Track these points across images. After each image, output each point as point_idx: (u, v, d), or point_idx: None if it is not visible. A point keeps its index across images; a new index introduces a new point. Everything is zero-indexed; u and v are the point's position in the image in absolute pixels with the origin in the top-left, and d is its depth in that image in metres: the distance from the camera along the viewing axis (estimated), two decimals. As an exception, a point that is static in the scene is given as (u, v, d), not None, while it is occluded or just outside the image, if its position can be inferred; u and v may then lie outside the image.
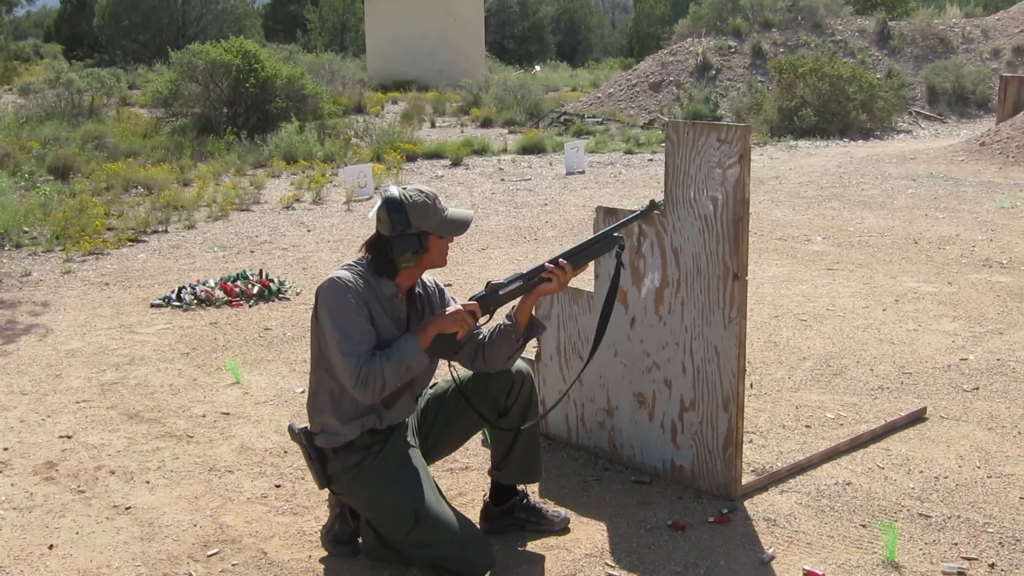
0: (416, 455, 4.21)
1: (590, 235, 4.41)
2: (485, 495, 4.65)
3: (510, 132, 25.31)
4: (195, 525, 4.68)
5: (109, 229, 12.10)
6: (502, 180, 16.66)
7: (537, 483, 4.80)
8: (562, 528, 4.52)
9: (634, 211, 4.53)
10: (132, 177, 15.57)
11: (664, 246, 4.83)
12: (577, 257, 4.19)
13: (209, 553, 4.40)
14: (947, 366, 6.82)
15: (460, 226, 4.12)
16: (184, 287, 8.91)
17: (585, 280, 4.99)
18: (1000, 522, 4.56)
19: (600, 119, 26.37)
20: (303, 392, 6.46)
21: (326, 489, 4.24)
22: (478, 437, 5.38)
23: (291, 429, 4.23)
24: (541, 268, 4.14)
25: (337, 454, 4.11)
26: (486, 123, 27.44)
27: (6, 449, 5.60)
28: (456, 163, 18.89)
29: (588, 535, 4.49)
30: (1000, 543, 4.37)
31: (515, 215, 13.05)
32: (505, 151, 20.87)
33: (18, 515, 4.80)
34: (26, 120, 22.56)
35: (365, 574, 4.18)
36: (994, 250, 10.41)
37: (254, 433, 5.82)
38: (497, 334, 4.26)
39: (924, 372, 6.70)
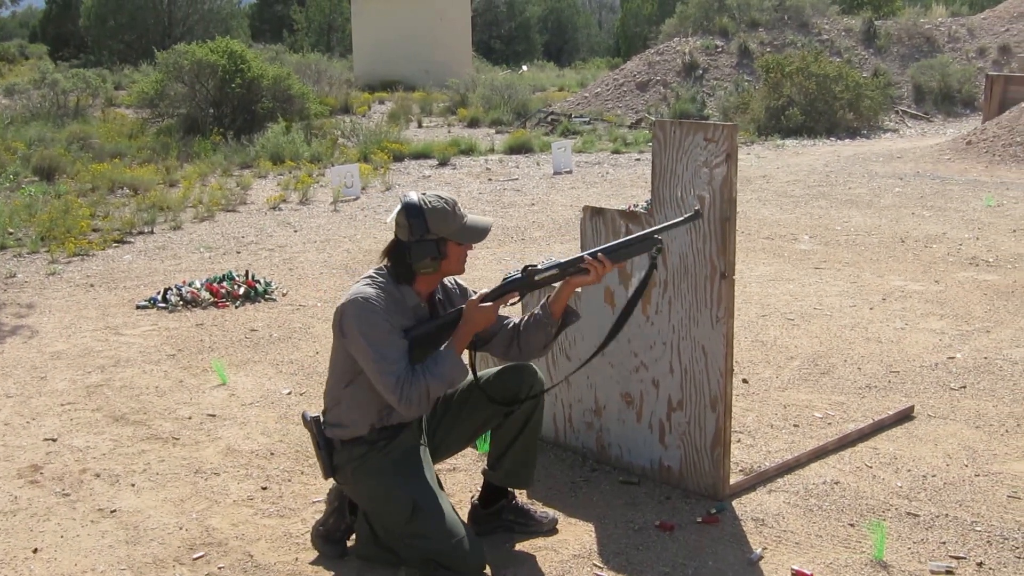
0: (422, 451, 4.24)
1: (614, 239, 4.37)
2: (473, 496, 4.64)
3: (497, 132, 25.29)
4: (181, 528, 4.65)
5: (94, 230, 12.05)
6: (489, 180, 16.64)
7: (525, 490, 4.78)
8: (550, 529, 4.51)
9: (676, 219, 4.48)
10: (118, 178, 15.51)
11: (651, 246, 4.81)
12: (615, 254, 4.16)
13: (195, 556, 4.38)
14: (934, 364, 6.82)
15: (479, 233, 4.13)
16: (170, 288, 8.88)
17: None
18: (988, 520, 4.56)
19: (587, 119, 26.36)
20: (289, 393, 6.45)
21: (330, 479, 4.27)
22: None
23: (304, 417, 4.27)
24: (580, 259, 4.13)
25: (344, 446, 4.16)
26: (473, 123, 27.42)
27: (-10, 452, 5.58)
28: (443, 163, 18.87)
29: (576, 536, 4.48)
30: (988, 542, 4.36)
31: (502, 215, 13.03)
32: (492, 151, 20.84)
33: (2, 519, 4.77)
34: (11, 121, 22.49)
35: (352, 576, 4.17)
36: (981, 248, 10.43)
37: (240, 435, 5.79)
38: (532, 323, 4.27)
39: (911, 371, 6.70)
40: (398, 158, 19.27)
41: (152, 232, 12.18)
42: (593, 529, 4.54)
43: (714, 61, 29.67)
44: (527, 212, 13.29)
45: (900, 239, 11.01)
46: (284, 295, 9.02)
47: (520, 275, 4.15)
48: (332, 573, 4.21)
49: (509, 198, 14.58)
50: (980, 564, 4.18)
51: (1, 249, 11.10)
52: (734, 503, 4.77)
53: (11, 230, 11.73)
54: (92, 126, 22.16)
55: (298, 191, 14.80)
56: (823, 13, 32.56)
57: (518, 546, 4.40)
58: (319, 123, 22.83)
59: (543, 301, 4.27)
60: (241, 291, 8.84)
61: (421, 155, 19.76)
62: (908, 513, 4.65)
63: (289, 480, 5.16)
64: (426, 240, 4.01)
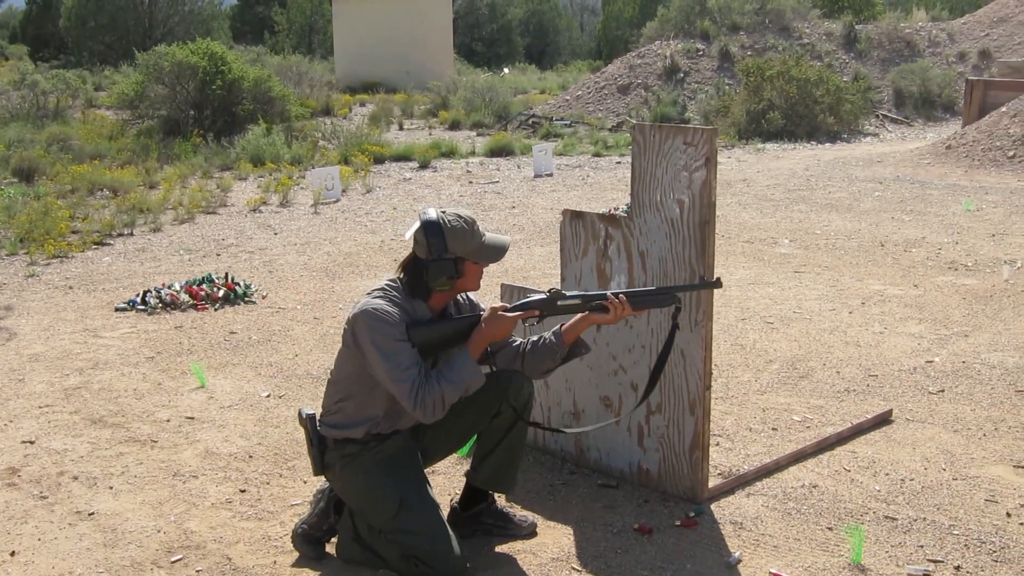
0: (412, 451, 4.27)
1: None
2: (452, 500, 4.64)
3: (478, 135, 25.29)
4: (159, 531, 4.64)
5: (74, 232, 12.01)
6: (470, 183, 16.64)
7: (506, 494, 4.77)
8: (529, 533, 4.51)
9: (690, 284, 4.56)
10: (97, 180, 15.46)
11: (631, 249, 4.82)
12: (636, 300, 4.20)
13: (173, 559, 4.37)
14: (913, 368, 6.84)
15: (497, 252, 4.16)
16: (149, 290, 8.85)
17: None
18: (965, 524, 4.58)
19: (568, 122, 26.38)
20: (268, 396, 6.44)
21: (317, 483, 4.34)
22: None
23: (300, 413, 4.31)
24: (603, 296, 4.16)
25: (337, 444, 4.19)
26: (454, 125, 27.40)
27: (-33, 455, 5.55)
28: (424, 166, 18.85)
29: (555, 539, 4.48)
30: (965, 545, 4.38)
31: (483, 218, 13.02)
32: (473, 153, 20.84)
33: (-21, 522, 4.75)
34: (-10, 122, 22.41)
35: (330, 580, 4.17)
36: (960, 253, 10.47)
37: (219, 438, 5.78)
38: (541, 347, 4.31)
39: (890, 374, 6.72)
40: (379, 160, 19.25)
41: (132, 234, 12.14)
42: (572, 532, 4.54)
43: (695, 64, 29.73)
44: (507, 215, 13.29)
45: (880, 243, 11.04)
46: (264, 298, 9.00)
47: (545, 296, 4.18)
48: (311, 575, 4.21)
49: (490, 201, 14.58)
50: (957, 568, 4.19)
51: (-21, 251, 11.05)
52: (712, 506, 4.78)
53: (-11, 232, 11.69)
54: (72, 127, 22.08)
55: (278, 193, 14.76)
56: (804, 17, 32.65)
57: (497, 550, 4.40)
58: (300, 125, 22.78)
59: (556, 328, 4.30)
60: (220, 294, 8.82)
61: (402, 157, 19.75)
62: (886, 517, 4.66)
63: (268, 483, 5.15)
64: (444, 259, 4.05)
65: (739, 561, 4.27)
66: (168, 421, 6.04)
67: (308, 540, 4.36)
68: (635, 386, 4.90)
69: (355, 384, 4.14)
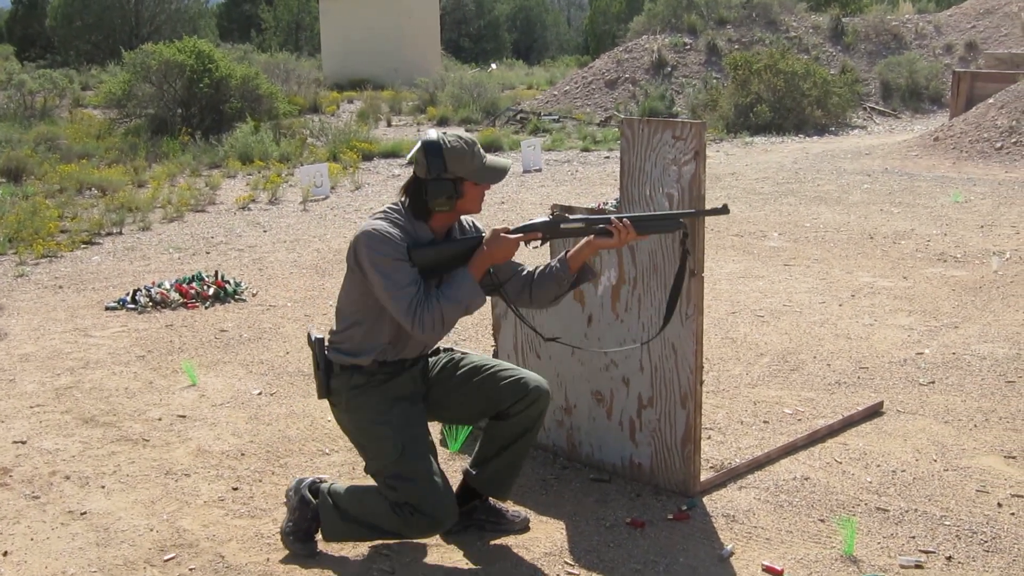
0: (417, 398, 4.27)
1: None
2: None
3: (467, 130, 25.23)
4: (151, 530, 4.63)
5: (63, 231, 11.98)
6: (459, 179, 16.59)
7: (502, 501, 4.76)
8: (522, 528, 4.51)
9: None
10: (86, 179, 15.41)
11: (621, 243, 4.82)
12: (640, 224, 4.15)
13: (166, 558, 4.36)
14: (903, 360, 6.86)
15: (497, 174, 4.15)
16: (139, 289, 8.83)
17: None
18: (957, 515, 4.59)
19: (556, 117, 26.37)
20: (260, 394, 6.43)
21: (324, 401, 4.33)
22: (436, 436, 5.36)
23: (308, 336, 4.30)
24: (607, 219, 4.12)
25: (344, 371, 4.18)
26: (443, 122, 27.36)
27: (-42, 455, 5.54)
28: (413, 162, 18.79)
29: (547, 534, 4.49)
30: (957, 536, 4.40)
31: (472, 214, 13.00)
32: (462, 149, 20.77)
33: (-29, 522, 4.75)
34: (-23, 122, 22.34)
35: (324, 577, 4.17)
36: (948, 244, 10.50)
37: (211, 436, 5.77)
38: (548, 274, 4.25)
39: (880, 367, 6.74)
40: (367, 157, 19.23)
41: (121, 233, 12.12)
42: (564, 527, 4.55)
43: (683, 59, 29.74)
44: (496, 210, 13.29)
45: (869, 235, 11.07)
46: (254, 295, 8.99)
47: (547, 219, 4.18)
48: (304, 573, 4.21)
49: (479, 197, 14.53)
50: (949, 558, 4.21)
51: (-32, 251, 11.03)
52: (705, 500, 4.79)
53: (-22, 232, 11.65)
54: (59, 127, 22.03)
55: (267, 191, 14.74)
56: (791, 10, 32.68)
57: (490, 545, 4.40)
58: (288, 122, 22.75)
59: (561, 255, 4.26)
60: (211, 292, 8.81)
61: (391, 154, 19.72)
62: (877, 508, 4.68)
63: (260, 481, 5.15)
64: (443, 179, 4.05)
65: (732, 554, 4.28)
66: (160, 420, 6.04)
67: (298, 537, 4.34)
68: (627, 380, 4.91)
69: (361, 310, 4.12)
